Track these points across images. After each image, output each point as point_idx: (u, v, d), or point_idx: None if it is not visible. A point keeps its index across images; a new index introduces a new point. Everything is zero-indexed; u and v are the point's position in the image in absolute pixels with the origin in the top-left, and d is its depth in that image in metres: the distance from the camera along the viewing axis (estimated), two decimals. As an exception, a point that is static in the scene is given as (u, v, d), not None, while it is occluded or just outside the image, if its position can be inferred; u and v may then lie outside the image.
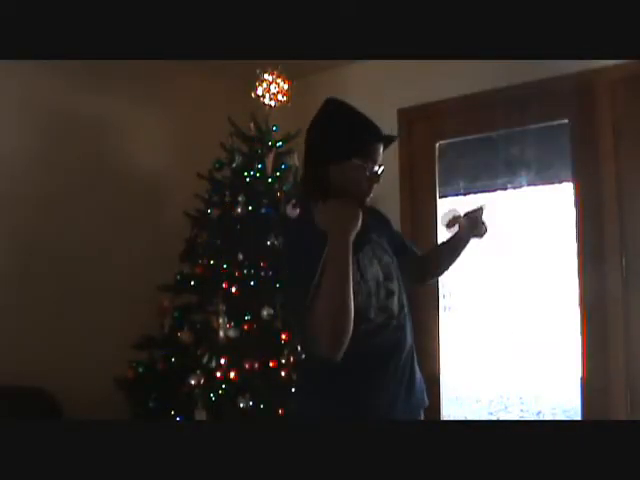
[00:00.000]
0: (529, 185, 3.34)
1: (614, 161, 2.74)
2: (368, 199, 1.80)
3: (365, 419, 1.69)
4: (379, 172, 1.77)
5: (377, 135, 1.77)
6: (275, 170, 2.99)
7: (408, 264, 1.97)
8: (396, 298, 1.80)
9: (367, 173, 1.74)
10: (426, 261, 2.10)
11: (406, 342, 1.80)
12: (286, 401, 2.48)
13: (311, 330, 1.55)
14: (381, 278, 1.78)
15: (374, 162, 1.75)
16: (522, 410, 5.68)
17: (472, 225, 1.98)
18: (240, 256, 2.82)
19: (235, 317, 2.73)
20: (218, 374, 2.65)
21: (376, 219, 1.95)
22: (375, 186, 1.78)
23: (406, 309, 1.84)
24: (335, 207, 1.61)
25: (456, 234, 2.01)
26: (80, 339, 2.99)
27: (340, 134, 1.74)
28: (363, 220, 1.69)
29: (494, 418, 5.37)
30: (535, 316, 6.25)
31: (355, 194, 1.75)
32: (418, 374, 1.85)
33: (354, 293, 1.59)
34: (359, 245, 1.71)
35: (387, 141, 1.79)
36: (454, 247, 2.03)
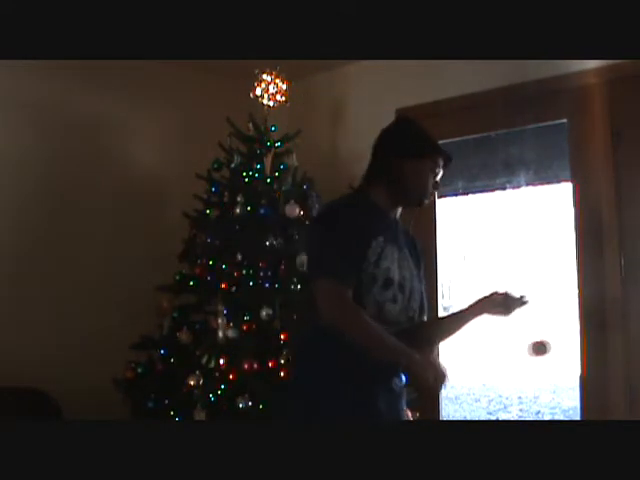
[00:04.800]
0: (528, 185, 3.33)
1: (613, 161, 2.74)
2: (426, 201, 1.88)
3: (365, 419, 1.69)
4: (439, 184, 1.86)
5: (442, 150, 1.87)
6: (274, 170, 2.99)
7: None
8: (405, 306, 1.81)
9: (434, 178, 1.84)
10: (421, 330, 1.91)
11: None
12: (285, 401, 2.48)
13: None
14: (396, 278, 1.78)
15: (438, 171, 1.86)
16: (521, 410, 5.68)
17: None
18: (239, 256, 2.82)
19: (234, 317, 2.73)
20: (217, 374, 2.65)
21: (415, 247, 1.97)
22: None
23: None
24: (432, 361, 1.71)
25: (464, 310, 1.91)
26: (79, 339, 2.99)
27: (417, 135, 1.88)
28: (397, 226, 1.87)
29: (493, 418, 5.37)
30: (534, 316, 6.25)
31: (417, 192, 1.84)
32: None
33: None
34: (386, 236, 1.77)
35: (447, 161, 1.88)
36: (455, 324, 1.94)
